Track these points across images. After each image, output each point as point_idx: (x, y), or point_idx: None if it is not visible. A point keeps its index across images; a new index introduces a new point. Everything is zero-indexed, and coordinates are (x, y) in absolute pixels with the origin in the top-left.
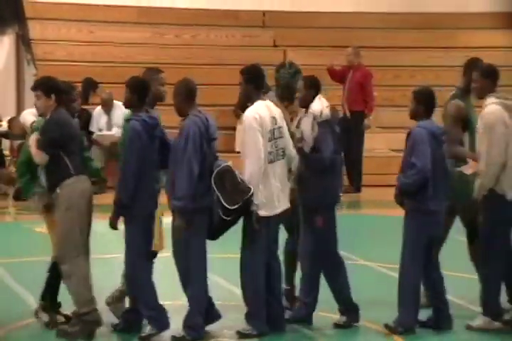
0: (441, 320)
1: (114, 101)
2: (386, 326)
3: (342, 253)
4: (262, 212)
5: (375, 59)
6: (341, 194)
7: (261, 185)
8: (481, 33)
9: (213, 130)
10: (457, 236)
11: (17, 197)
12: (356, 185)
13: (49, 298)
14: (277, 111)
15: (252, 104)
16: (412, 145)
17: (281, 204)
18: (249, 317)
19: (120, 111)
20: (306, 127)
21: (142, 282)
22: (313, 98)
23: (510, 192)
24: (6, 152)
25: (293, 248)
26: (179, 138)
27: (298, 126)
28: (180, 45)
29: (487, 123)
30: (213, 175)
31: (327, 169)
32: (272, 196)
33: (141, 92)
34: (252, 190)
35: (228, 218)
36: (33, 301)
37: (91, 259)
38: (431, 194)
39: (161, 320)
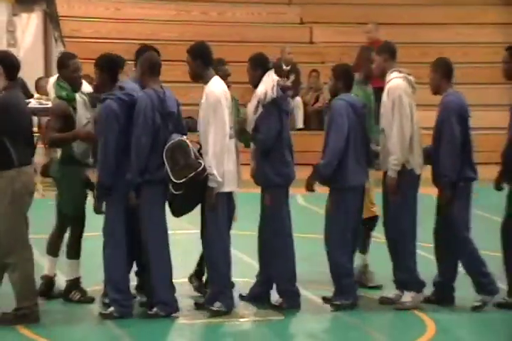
0: None
1: None
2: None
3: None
4: (226, 188)
5: (402, 36)
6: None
7: (225, 161)
8: (509, 10)
9: (170, 104)
10: (481, 212)
11: (44, 173)
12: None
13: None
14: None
15: (204, 80)
16: (330, 117)
17: (235, 182)
18: (217, 295)
19: None
20: (250, 109)
21: (114, 264)
22: (261, 77)
23: (418, 167)
24: (34, 129)
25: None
26: (134, 111)
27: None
28: (205, 22)
29: (395, 97)
30: (165, 149)
31: (268, 150)
32: (234, 172)
33: (111, 71)
34: (202, 166)
35: (178, 192)
36: (59, 276)
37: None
38: (351, 169)
39: (124, 306)
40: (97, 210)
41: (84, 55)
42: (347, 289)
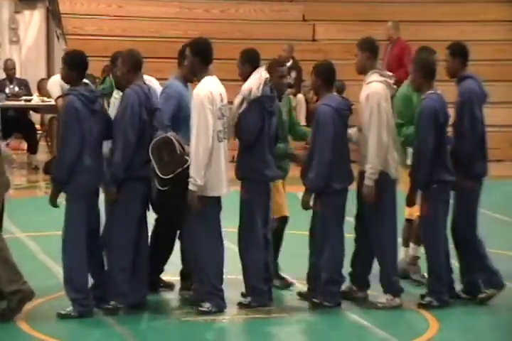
0: None
1: (144, 75)
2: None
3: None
4: (214, 193)
5: (405, 33)
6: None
7: (212, 164)
8: None
9: (155, 100)
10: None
11: (47, 170)
12: None
13: None
14: (223, 89)
15: (198, 77)
16: (316, 124)
17: (227, 184)
18: (209, 294)
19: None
20: (235, 104)
21: (74, 263)
22: (250, 72)
23: (394, 171)
24: (37, 126)
25: None
26: (120, 107)
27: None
28: (209, 19)
29: (373, 105)
30: (150, 146)
31: (250, 146)
32: (222, 175)
33: (79, 68)
34: (188, 162)
35: (163, 188)
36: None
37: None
38: (335, 173)
39: (84, 305)
40: (53, 203)
41: (87, 52)
42: (333, 291)
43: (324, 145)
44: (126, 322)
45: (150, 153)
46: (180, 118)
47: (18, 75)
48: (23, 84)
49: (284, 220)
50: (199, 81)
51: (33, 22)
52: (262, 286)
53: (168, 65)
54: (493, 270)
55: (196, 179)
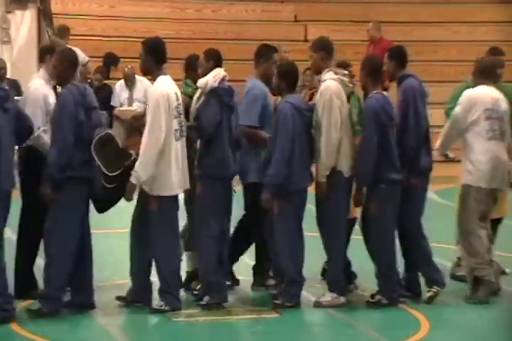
0: None
1: (136, 75)
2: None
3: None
4: (173, 191)
5: (397, 34)
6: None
7: (171, 164)
8: (507, 8)
9: (91, 99)
10: None
11: None
12: None
13: None
14: (177, 88)
15: (152, 76)
16: (277, 121)
17: (182, 184)
18: (163, 293)
19: (141, 85)
20: (194, 99)
21: None
22: (211, 70)
23: (347, 169)
24: None
25: None
26: (56, 107)
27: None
28: (200, 19)
29: (325, 100)
30: (92, 144)
31: (209, 139)
32: (180, 174)
33: None
34: (133, 156)
35: (110, 185)
36: None
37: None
38: (296, 172)
39: (5, 310)
40: None
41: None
42: (292, 292)
43: (285, 140)
44: (119, 323)
45: (93, 152)
46: (266, 117)
47: (9, 75)
48: (14, 85)
49: (353, 221)
50: (154, 80)
51: (24, 22)
52: (219, 281)
53: None
54: (436, 268)
55: (141, 174)
